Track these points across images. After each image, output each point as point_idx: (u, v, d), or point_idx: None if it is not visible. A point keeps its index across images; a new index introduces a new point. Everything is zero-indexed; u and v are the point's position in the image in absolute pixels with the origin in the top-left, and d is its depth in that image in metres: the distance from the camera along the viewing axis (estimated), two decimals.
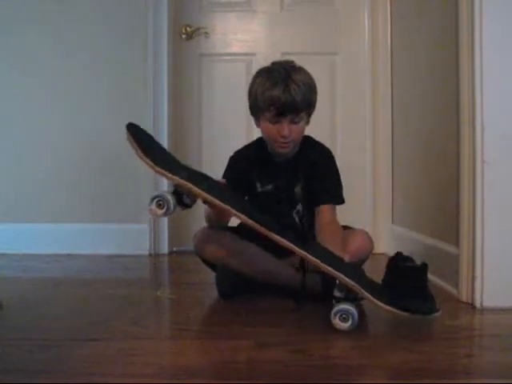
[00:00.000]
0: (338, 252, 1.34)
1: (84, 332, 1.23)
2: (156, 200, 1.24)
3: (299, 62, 1.55)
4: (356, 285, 1.19)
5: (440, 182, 1.75)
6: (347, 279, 1.19)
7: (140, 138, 1.26)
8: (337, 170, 1.58)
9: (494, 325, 1.30)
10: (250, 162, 1.58)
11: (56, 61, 2.41)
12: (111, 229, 2.38)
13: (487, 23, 1.40)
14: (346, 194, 1.60)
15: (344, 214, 1.62)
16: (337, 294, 1.23)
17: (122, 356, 1.08)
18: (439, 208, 1.76)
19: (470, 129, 1.44)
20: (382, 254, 2.25)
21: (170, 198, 1.25)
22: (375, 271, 1.37)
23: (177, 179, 1.24)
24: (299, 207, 1.56)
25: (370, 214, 2.46)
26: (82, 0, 2.41)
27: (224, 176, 1.59)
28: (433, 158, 1.84)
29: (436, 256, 1.71)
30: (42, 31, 2.41)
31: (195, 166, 2.49)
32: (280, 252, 1.50)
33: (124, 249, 2.35)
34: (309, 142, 1.58)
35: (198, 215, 2.41)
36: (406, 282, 1.21)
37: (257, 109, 1.49)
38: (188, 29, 2.51)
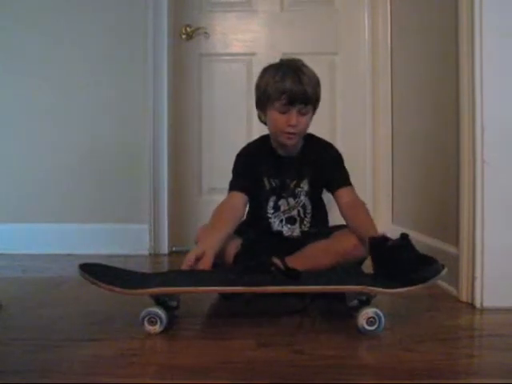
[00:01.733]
0: (370, 228, 1.39)
1: (84, 332, 1.23)
2: (147, 318, 1.20)
3: None
4: (365, 287, 1.18)
5: (440, 183, 1.75)
6: (354, 287, 1.20)
7: (97, 273, 1.23)
8: (342, 160, 1.62)
9: (494, 325, 1.30)
10: (257, 156, 1.60)
11: (56, 61, 2.41)
12: (111, 229, 2.38)
13: (487, 22, 1.40)
14: None
15: None
16: (351, 304, 1.23)
17: (121, 356, 1.08)
18: (439, 208, 1.76)
19: (469, 129, 1.44)
20: None
21: (160, 312, 1.20)
22: None
23: (154, 290, 1.20)
24: (305, 201, 1.58)
25: (370, 213, 2.45)
26: (82, 0, 2.41)
27: (233, 174, 1.61)
28: (433, 158, 1.84)
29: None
30: (43, 32, 2.41)
31: (195, 166, 2.54)
32: (280, 250, 1.50)
33: (124, 249, 2.35)
34: (313, 139, 1.61)
35: (198, 215, 2.42)
36: (399, 259, 1.20)
37: (266, 99, 1.51)
38: (188, 29, 2.51)
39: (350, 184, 1.57)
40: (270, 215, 1.58)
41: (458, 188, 1.50)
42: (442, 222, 1.72)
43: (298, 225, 1.58)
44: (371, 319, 1.19)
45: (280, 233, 1.57)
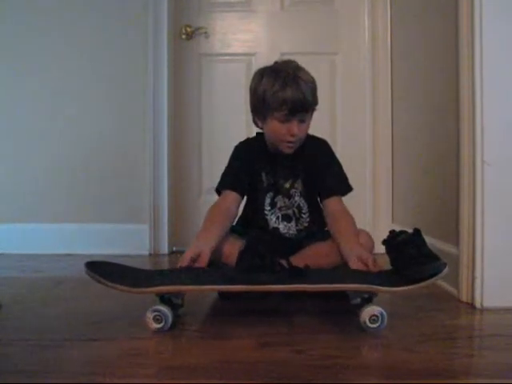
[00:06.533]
0: (354, 242, 1.38)
1: (84, 332, 1.23)
2: (154, 314, 1.20)
3: (299, 61, 1.54)
4: (367, 286, 1.19)
5: (440, 182, 1.75)
6: (358, 285, 1.20)
7: (102, 271, 1.22)
8: (337, 160, 1.61)
9: (493, 325, 1.30)
10: (255, 151, 1.59)
11: (56, 61, 2.41)
12: (111, 229, 2.38)
13: (487, 22, 1.40)
14: None
15: None
16: (354, 302, 1.22)
17: (122, 356, 1.08)
18: (439, 208, 1.76)
19: (469, 129, 1.44)
20: (383, 254, 2.24)
21: (168, 312, 1.21)
22: None
23: (159, 289, 1.20)
24: (299, 202, 1.57)
25: (370, 213, 2.46)
26: (82, 0, 2.41)
27: (229, 165, 1.60)
28: (433, 158, 1.84)
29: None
30: (43, 32, 2.41)
31: (195, 166, 2.54)
32: (278, 248, 1.50)
33: (124, 249, 2.35)
34: (307, 137, 1.59)
35: (198, 215, 2.42)
36: (406, 254, 1.21)
37: (265, 109, 1.48)
38: (188, 29, 2.51)
39: (337, 192, 1.54)
40: (266, 212, 1.57)
41: (457, 188, 1.50)
42: (442, 222, 1.72)
43: (293, 223, 1.57)
44: (374, 317, 1.19)
45: (276, 230, 1.57)
